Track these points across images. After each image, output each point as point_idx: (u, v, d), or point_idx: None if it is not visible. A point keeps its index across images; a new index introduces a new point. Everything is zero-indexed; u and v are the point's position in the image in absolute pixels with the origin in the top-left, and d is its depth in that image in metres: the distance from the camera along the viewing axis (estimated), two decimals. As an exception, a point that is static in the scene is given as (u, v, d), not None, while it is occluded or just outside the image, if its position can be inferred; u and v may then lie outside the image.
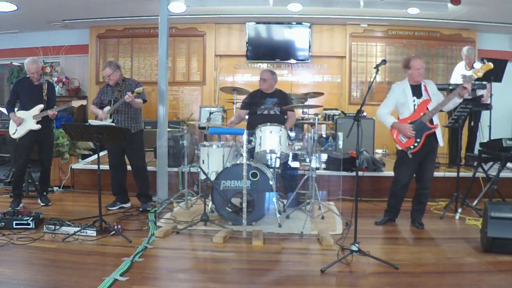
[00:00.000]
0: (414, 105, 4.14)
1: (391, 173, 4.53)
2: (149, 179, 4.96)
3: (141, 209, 4.81)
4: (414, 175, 4.30)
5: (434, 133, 4.12)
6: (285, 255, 3.56)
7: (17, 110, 4.80)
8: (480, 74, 4.11)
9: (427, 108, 4.10)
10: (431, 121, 4.11)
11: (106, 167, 4.90)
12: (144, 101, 4.84)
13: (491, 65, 4.05)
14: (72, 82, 8.31)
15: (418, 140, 4.09)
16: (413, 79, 4.18)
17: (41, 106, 4.74)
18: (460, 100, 4.15)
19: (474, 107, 5.39)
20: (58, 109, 4.78)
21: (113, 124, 4.66)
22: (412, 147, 4.11)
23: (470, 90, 4.06)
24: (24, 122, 4.74)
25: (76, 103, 4.82)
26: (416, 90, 4.17)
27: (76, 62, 8.49)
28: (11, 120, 4.80)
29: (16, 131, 4.77)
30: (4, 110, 5.03)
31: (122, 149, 4.79)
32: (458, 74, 6.31)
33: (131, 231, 4.06)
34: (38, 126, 4.74)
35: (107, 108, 4.76)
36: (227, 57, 8.34)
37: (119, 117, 4.75)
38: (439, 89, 4.36)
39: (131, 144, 4.61)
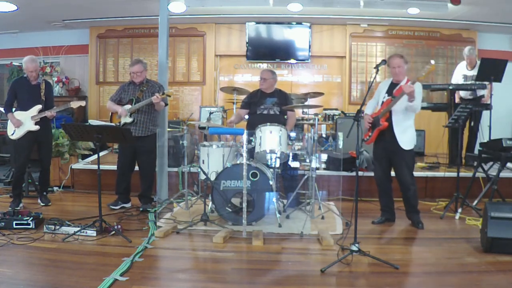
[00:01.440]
0: (382, 101, 4.28)
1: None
2: (153, 182, 4.96)
3: (141, 209, 4.81)
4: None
5: (394, 135, 4.13)
6: (285, 255, 3.56)
7: (15, 110, 4.78)
8: (422, 76, 4.01)
9: None
10: (389, 120, 4.15)
11: (106, 167, 4.89)
12: (166, 104, 4.84)
13: (433, 66, 4.01)
14: (72, 82, 8.31)
15: (370, 134, 4.31)
16: (393, 77, 4.28)
17: (40, 106, 4.72)
18: (412, 104, 3.99)
19: (474, 107, 5.39)
20: (57, 110, 4.77)
21: (123, 125, 4.63)
22: (365, 139, 4.36)
23: (411, 93, 3.90)
24: (23, 124, 4.72)
25: (75, 104, 4.76)
26: (392, 88, 4.25)
27: (76, 62, 8.48)
28: (9, 121, 4.78)
29: (14, 132, 4.74)
30: (3, 110, 5.01)
31: (134, 150, 4.76)
32: (459, 74, 6.31)
33: (131, 231, 4.06)
34: (37, 127, 4.72)
35: (128, 106, 4.74)
36: (227, 57, 8.33)
37: (140, 117, 4.73)
38: (439, 89, 4.37)
39: (145, 145, 4.61)
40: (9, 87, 4.87)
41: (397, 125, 4.14)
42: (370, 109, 4.44)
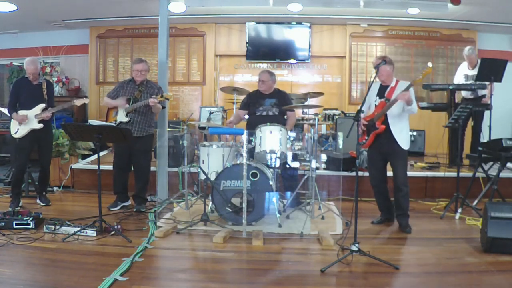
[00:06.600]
0: (375, 104, 4.23)
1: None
2: (148, 182, 4.94)
3: (134, 210, 4.80)
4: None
5: (392, 135, 4.10)
6: (285, 255, 3.56)
7: (18, 110, 4.77)
8: (419, 79, 4.03)
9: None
10: (385, 122, 4.11)
11: (106, 167, 4.90)
12: (163, 107, 4.85)
13: (430, 69, 3.98)
14: (72, 82, 8.31)
15: (366, 137, 4.25)
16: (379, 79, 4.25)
17: (43, 105, 4.72)
18: (410, 107, 4.01)
19: (474, 107, 5.39)
20: (57, 109, 4.78)
21: (118, 124, 4.63)
22: (361, 142, 4.27)
23: (409, 100, 3.93)
24: (28, 120, 4.70)
25: (79, 102, 4.82)
26: (382, 91, 4.23)
27: (76, 62, 8.48)
28: (12, 120, 4.78)
29: (18, 131, 4.74)
30: (4, 111, 5.00)
31: (129, 150, 4.75)
32: (461, 74, 6.31)
33: (131, 231, 4.06)
34: (40, 125, 4.71)
35: (126, 105, 4.74)
36: (227, 57, 8.34)
37: (136, 117, 4.72)
38: (439, 89, 4.35)
39: (140, 146, 4.62)
40: (11, 88, 4.87)
41: (394, 126, 4.11)
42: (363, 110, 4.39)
